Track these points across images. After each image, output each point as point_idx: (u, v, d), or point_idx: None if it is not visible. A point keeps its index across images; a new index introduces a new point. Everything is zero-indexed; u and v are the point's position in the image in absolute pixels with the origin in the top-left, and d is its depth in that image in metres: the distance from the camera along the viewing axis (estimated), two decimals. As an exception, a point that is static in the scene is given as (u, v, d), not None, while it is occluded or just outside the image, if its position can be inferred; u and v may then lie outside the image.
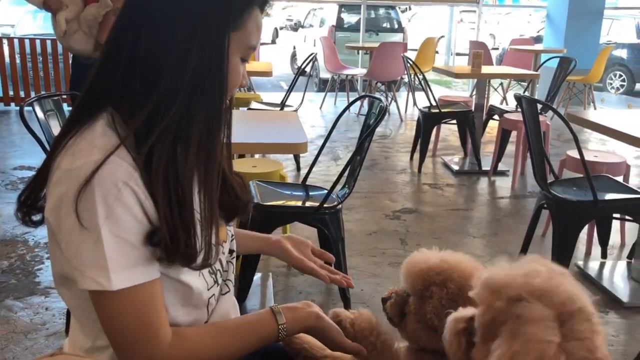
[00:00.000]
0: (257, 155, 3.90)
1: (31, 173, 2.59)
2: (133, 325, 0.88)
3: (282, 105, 4.68)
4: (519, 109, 4.85)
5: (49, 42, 6.94)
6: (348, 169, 2.54)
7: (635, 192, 2.75)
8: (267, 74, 4.80)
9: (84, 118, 0.91)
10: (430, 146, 5.21)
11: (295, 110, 4.46)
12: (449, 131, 6.05)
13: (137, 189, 0.86)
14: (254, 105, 4.86)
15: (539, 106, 3.39)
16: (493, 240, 3.54)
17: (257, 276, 2.79)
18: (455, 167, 4.98)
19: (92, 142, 0.87)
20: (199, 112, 0.90)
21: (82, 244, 0.84)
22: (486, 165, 4.89)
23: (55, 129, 2.28)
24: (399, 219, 3.82)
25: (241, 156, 3.73)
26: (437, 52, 8.68)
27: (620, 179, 3.09)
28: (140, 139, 0.88)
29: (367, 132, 2.47)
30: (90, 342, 0.96)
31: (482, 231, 3.68)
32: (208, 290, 1.01)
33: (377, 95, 2.93)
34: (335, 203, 2.50)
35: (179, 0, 0.89)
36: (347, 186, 2.64)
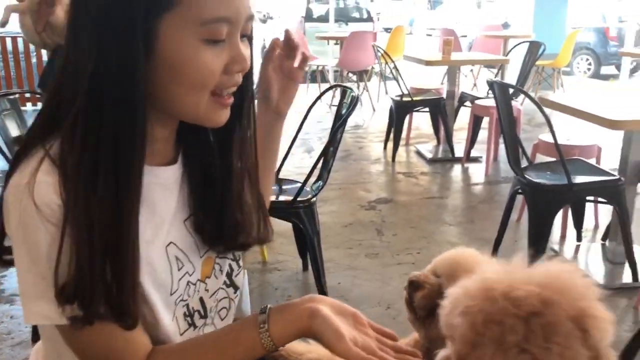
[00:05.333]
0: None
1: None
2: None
3: (252, 97, 4.58)
4: (490, 95, 4.90)
5: (8, 40, 6.73)
6: (321, 161, 2.48)
7: (609, 174, 2.75)
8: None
9: (36, 142, 0.78)
10: (403, 135, 5.19)
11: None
12: (421, 119, 6.03)
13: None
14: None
15: (511, 91, 3.38)
16: (469, 227, 3.52)
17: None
18: (429, 155, 4.96)
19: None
20: (103, 128, 0.73)
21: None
22: (459, 153, 4.89)
23: (13, 129, 2.18)
24: (374, 209, 3.78)
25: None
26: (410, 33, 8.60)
27: (592, 161, 3.09)
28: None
29: (339, 122, 2.41)
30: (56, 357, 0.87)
31: (458, 218, 3.67)
32: (181, 335, 0.89)
33: (347, 84, 2.88)
34: (310, 196, 2.45)
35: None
36: (321, 179, 2.58)
